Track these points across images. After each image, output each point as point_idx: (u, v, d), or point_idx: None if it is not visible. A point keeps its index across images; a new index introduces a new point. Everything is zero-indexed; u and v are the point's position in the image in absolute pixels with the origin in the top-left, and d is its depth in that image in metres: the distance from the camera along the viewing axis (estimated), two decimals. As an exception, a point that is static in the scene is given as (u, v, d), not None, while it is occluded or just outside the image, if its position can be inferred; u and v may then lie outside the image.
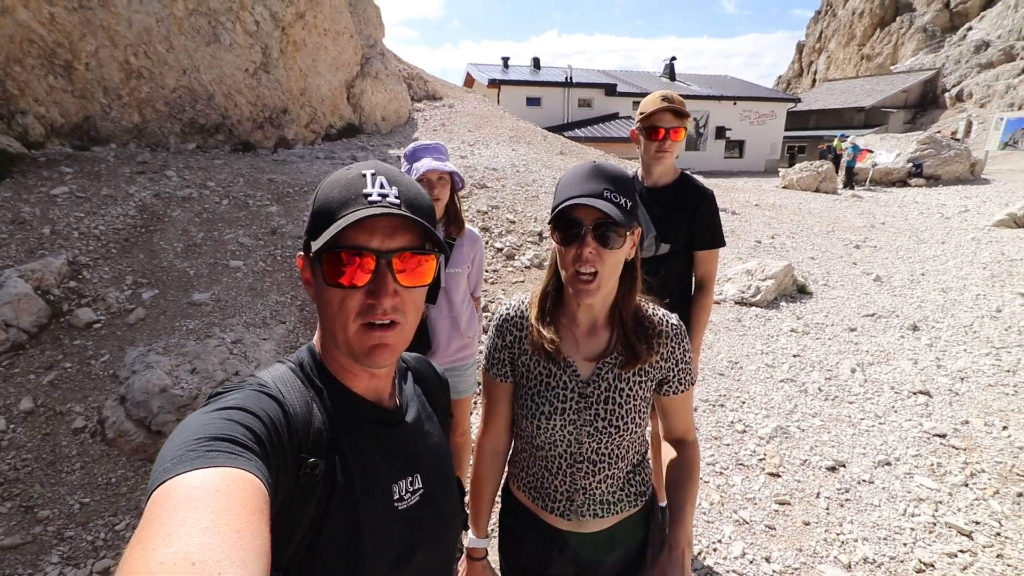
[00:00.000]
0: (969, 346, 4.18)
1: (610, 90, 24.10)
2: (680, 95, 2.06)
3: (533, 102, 24.24)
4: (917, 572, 2.13)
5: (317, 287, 0.66)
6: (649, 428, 1.27)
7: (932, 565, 2.16)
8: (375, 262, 0.63)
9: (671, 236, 1.97)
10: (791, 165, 17.87)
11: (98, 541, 2.18)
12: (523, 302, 1.14)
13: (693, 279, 2.05)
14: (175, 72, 6.69)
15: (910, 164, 13.73)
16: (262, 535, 0.43)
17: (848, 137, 16.78)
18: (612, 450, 1.08)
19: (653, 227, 1.96)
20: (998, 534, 2.30)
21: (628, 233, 0.96)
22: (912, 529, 2.35)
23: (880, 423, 3.20)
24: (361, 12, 10.88)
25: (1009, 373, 3.69)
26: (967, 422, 3.11)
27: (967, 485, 2.60)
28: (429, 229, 0.65)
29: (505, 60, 27.37)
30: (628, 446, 1.09)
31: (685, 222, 1.96)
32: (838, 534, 2.35)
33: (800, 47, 53.55)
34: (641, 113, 1.93)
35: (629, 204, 0.96)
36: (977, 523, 2.36)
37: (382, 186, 0.64)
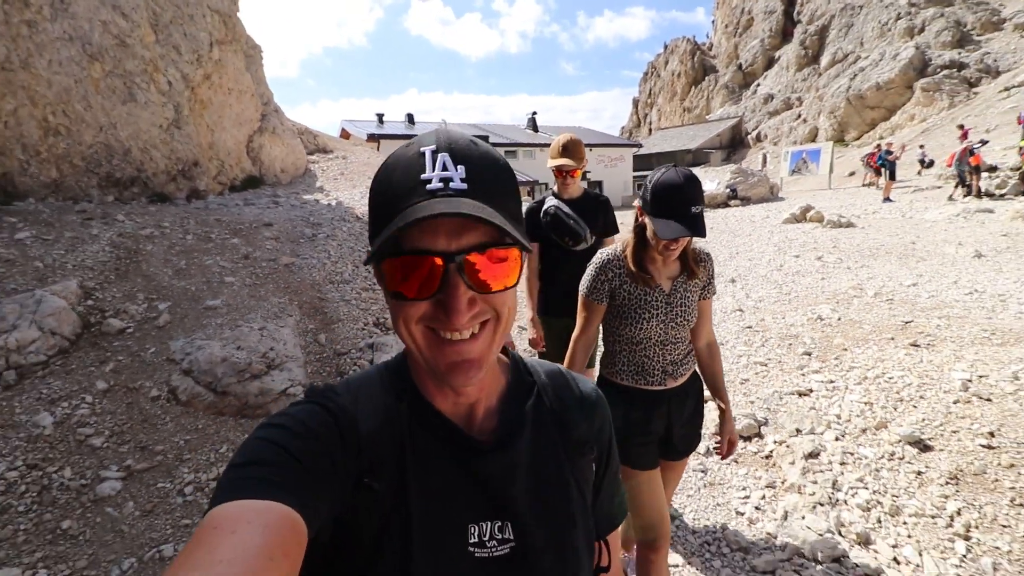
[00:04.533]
0: (764, 285, 6.34)
1: (484, 141, 26.63)
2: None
3: (414, 153, 25.78)
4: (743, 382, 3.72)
5: (385, 295, 0.57)
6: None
7: (748, 380, 3.77)
8: (443, 266, 0.52)
9: (594, 229, 2.78)
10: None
11: (211, 457, 2.95)
12: (616, 251, 1.74)
13: None
14: (92, 129, 7.01)
15: (727, 189, 17.57)
16: None
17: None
18: (683, 334, 1.72)
19: (588, 228, 2.74)
20: (778, 360, 4.01)
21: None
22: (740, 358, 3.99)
23: (716, 326, 4.95)
24: (254, 72, 11.62)
25: (786, 295, 5.79)
26: (763, 320, 4.99)
27: (763, 345, 4.37)
28: (501, 223, 0.51)
29: (380, 116, 28.80)
30: (689, 331, 1.75)
31: (600, 219, 2.82)
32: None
33: (636, 102, 62.82)
34: (551, 157, 2.78)
35: (702, 210, 1.51)
36: (769, 359, 4.07)
37: (444, 167, 0.52)
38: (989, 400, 2.93)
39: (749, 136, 39.21)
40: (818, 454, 2.87)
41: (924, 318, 4.24)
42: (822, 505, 2.57)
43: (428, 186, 0.51)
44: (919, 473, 2.61)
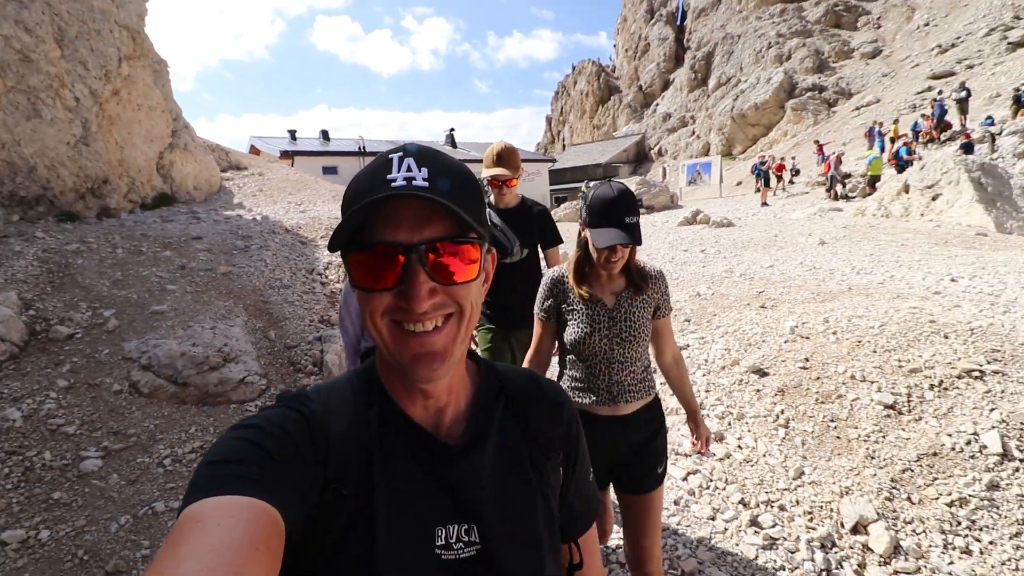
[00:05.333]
0: (677, 271, 7.41)
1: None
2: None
3: (329, 171, 25.54)
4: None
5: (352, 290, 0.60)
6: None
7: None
8: (404, 257, 0.55)
9: (528, 241, 2.64)
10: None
11: (183, 436, 3.30)
12: (561, 270, 1.77)
13: (543, 268, 2.46)
14: (-8, 146, 6.76)
15: (635, 198, 19.36)
16: (264, 571, 0.43)
17: (590, 183, 22.48)
18: (631, 354, 1.69)
19: (518, 240, 2.61)
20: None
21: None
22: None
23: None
24: (162, 88, 11.39)
25: (675, 280, 6.88)
26: (699, 292, 5.98)
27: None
28: (460, 213, 0.55)
29: (292, 132, 28.29)
30: (641, 351, 1.71)
31: (536, 229, 2.69)
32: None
33: (549, 120, 65.73)
34: (485, 167, 2.61)
35: (637, 220, 1.57)
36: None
37: (409, 168, 0.56)
38: (807, 338, 3.98)
39: (652, 151, 42.63)
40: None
41: (772, 289, 5.41)
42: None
43: (392, 184, 0.54)
44: (758, 391, 3.56)
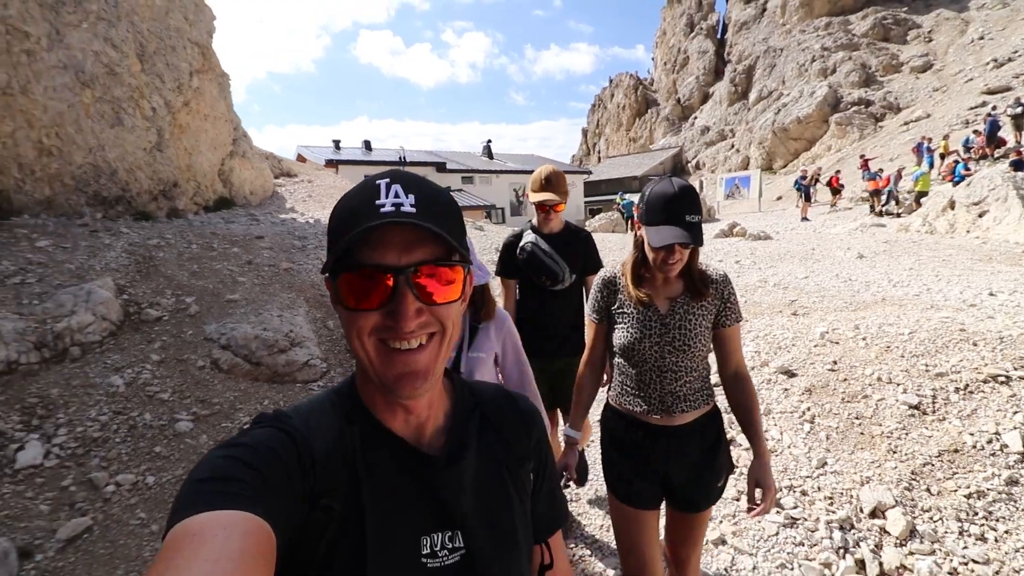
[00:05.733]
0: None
1: (440, 168, 27.77)
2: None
3: (371, 179, 26.51)
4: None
5: (337, 311, 0.63)
6: None
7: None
8: (393, 279, 0.59)
9: (575, 267, 2.61)
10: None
11: (259, 408, 3.73)
12: (615, 269, 1.68)
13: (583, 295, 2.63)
14: (82, 150, 7.57)
15: (670, 211, 19.44)
16: None
17: (624, 195, 22.56)
18: (685, 363, 1.56)
19: (568, 267, 2.57)
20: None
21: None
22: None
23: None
24: (225, 100, 12.28)
25: (732, 272, 7.03)
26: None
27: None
28: (447, 238, 0.59)
29: (336, 142, 29.48)
30: (698, 362, 1.58)
31: (581, 254, 2.64)
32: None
33: (585, 132, 66.06)
34: (532, 191, 2.58)
35: (699, 220, 1.43)
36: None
37: (396, 195, 0.60)
38: (837, 343, 4.15)
39: (689, 164, 42.37)
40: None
41: (805, 298, 5.54)
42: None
43: (381, 209, 0.58)
44: (786, 390, 3.75)
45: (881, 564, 2.48)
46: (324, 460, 0.61)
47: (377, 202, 0.59)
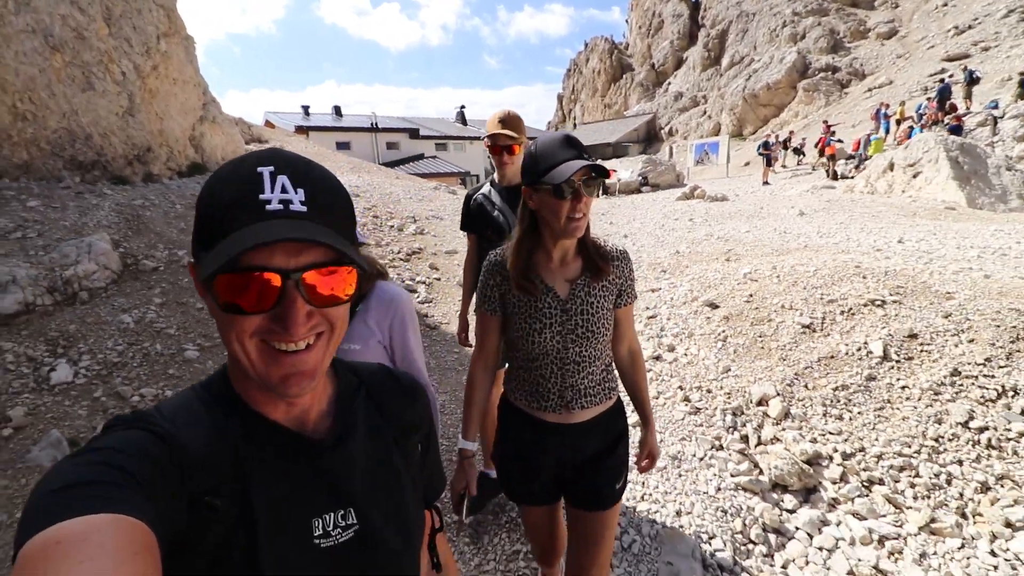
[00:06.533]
0: (647, 238, 8.34)
1: (413, 134, 27.76)
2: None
3: (343, 146, 26.41)
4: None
5: (210, 307, 0.59)
6: None
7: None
8: (281, 281, 0.56)
9: None
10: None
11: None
12: (505, 249, 1.46)
13: None
14: (56, 115, 7.75)
15: (639, 177, 20.02)
16: None
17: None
18: (588, 352, 1.44)
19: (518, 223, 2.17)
20: (644, 276, 5.84)
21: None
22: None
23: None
24: (192, 63, 12.28)
25: (660, 242, 7.77)
26: (640, 256, 6.87)
27: (637, 269, 6.20)
28: (341, 247, 0.57)
29: (305, 108, 29.12)
30: (601, 349, 1.47)
31: None
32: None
33: (560, 98, 65.71)
34: (486, 133, 2.38)
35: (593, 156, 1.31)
36: (639, 276, 5.89)
37: (284, 189, 0.56)
38: (755, 281, 4.88)
39: (662, 131, 42.93)
40: (655, 316, 4.70)
41: (741, 248, 6.28)
42: (653, 339, 4.37)
43: (268, 207, 0.54)
44: (708, 318, 4.48)
45: (760, 436, 3.24)
46: (201, 458, 0.59)
47: (262, 196, 0.55)
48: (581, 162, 1.27)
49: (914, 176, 10.09)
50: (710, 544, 2.57)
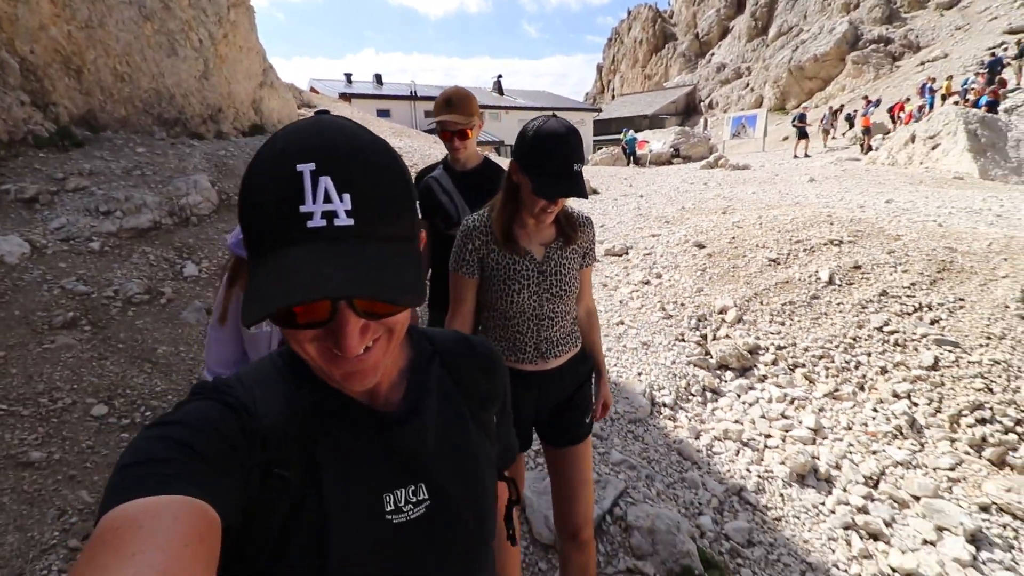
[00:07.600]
0: (659, 198, 9.12)
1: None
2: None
3: (383, 113, 27.49)
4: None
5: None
6: None
7: (628, 234, 6.49)
8: (330, 304, 0.53)
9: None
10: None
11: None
12: (483, 216, 1.60)
13: None
14: (147, 77, 9.05)
15: (671, 148, 20.46)
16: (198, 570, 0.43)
17: (629, 131, 23.51)
18: (561, 308, 1.64)
19: (468, 210, 2.19)
20: (648, 225, 6.73)
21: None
22: (631, 229, 6.70)
23: (620, 210, 7.66)
24: (254, 32, 13.49)
25: (670, 200, 8.58)
26: (651, 210, 7.73)
27: (645, 219, 7.09)
28: (391, 296, 0.51)
29: (348, 76, 30.27)
30: (571, 304, 1.68)
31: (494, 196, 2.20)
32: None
33: (600, 69, 64.94)
34: (434, 116, 2.22)
35: (581, 167, 1.45)
36: (644, 224, 6.79)
37: (327, 196, 0.49)
38: (741, 228, 5.74)
39: (702, 103, 42.38)
40: (651, 253, 5.64)
41: (739, 204, 7.08)
42: (645, 269, 5.33)
43: (309, 223, 0.49)
44: (694, 255, 5.40)
45: (716, 335, 4.21)
46: (273, 429, 0.59)
47: (303, 208, 0.49)
48: (569, 190, 1.43)
49: (933, 148, 10.46)
50: (659, 393, 3.59)
